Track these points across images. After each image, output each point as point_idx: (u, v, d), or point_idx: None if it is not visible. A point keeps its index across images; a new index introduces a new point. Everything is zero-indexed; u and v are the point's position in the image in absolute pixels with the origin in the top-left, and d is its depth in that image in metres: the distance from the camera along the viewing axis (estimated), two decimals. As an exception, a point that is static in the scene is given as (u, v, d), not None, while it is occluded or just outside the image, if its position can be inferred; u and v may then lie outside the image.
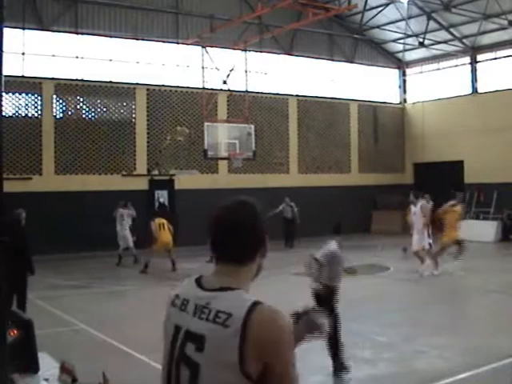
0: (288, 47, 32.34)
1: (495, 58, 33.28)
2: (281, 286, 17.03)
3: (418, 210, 19.22)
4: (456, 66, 35.19)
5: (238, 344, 2.37)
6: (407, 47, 35.04)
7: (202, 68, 27.30)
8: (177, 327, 2.58)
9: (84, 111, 27.82)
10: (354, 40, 34.75)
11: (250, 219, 2.68)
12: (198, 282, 2.64)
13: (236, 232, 2.63)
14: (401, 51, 36.17)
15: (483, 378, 9.05)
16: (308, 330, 2.83)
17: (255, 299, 2.47)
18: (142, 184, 28.41)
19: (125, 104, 28.68)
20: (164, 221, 22.18)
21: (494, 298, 15.44)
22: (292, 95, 33.10)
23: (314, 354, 10.28)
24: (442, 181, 33.34)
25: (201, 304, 2.53)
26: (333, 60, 34.71)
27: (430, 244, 19.32)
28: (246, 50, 28.33)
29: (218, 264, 2.65)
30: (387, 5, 30.68)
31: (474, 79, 34.47)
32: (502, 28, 30.06)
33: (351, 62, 35.41)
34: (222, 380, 2.40)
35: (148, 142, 28.87)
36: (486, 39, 32.59)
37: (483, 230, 29.05)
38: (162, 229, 21.88)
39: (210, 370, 2.42)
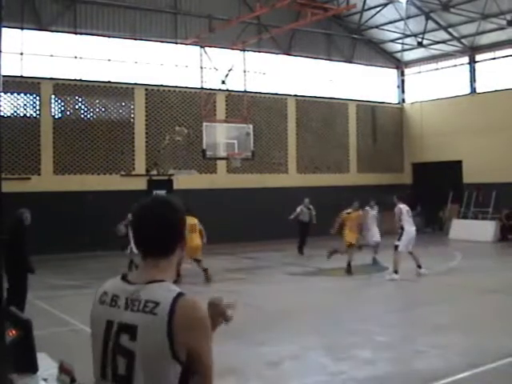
0: (286, 47, 32.33)
1: (494, 58, 33.27)
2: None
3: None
4: (455, 65, 35.20)
5: (166, 330, 2.56)
6: (406, 47, 35.03)
7: (201, 68, 27.28)
8: (108, 322, 2.72)
9: (82, 111, 27.80)
10: (352, 40, 34.74)
11: (171, 214, 2.84)
12: (124, 278, 2.85)
13: (159, 226, 2.79)
14: (399, 51, 36.16)
15: (483, 378, 9.03)
16: (214, 317, 2.92)
17: (180, 290, 2.68)
18: (140, 184, 28.39)
19: (123, 104, 28.67)
20: (196, 221, 18.67)
21: (493, 297, 15.43)
22: (290, 95, 33.10)
23: (313, 354, 10.29)
24: (440, 181, 33.43)
25: (131, 297, 2.70)
26: (331, 60, 34.71)
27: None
28: (244, 50, 28.34)
29: (143, 258, 2.87)
30: (386, 5, 30.68)
31: (473, 79, 34.48)
32: (501, 28, 30.06)
33: (350, 62, 35.41)
34: (157, 365, 2.57)
35: (146, 142, 28.87)
36: (485, 39, 32.59)
37: (482, 230, 29.07)
38: (194, 231, 18.16)
39: (144, 357, 2.59)
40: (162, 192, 29.06)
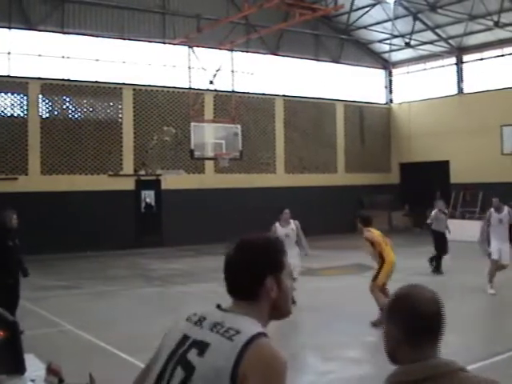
0: (274, 47, 32.35)
1: (481, 59, 33.40)
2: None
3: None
4: (442, 66, 35.33)
5: (235, 359, 2.40)
6: (393, 48, 35.13)
7: (189, 68, 27.34)
8: (185, 336, 2.62)
9: (70, 111, 27.72)
10: (340, 40, 34.80)
11: (248, 256, 2.66)
12: (219, 306, 2.70)
13: (232, 269, 2.67)
14: (387, 51, 36.27)
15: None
16: None
17: (265, 331, 2.52)
18: (128, 184, 28.35)
19: (111, 104, 28.61)
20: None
21: (481, 296, 15.50)
22: (278, 95, 33.13)
23: (301, 354, 10.30)
24: (428, 180, 33.53)
25: (216, 321, 2.59)
26: (319, 60, 34.77)
27: None
28: (232, 50, 28.39)
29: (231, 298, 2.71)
30: (374, 5, 30.75)
31: (460, 80, 34.62)
32: (488, 29, 30.17)
33: (338, 63, 35.47)
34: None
35: (134, 142, 28.81)
36: (472, 40, 32.73)
37: (469, 230, 29.13)
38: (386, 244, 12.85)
39: (203, 376, 2.45)
40: (151, 192, 29.08)
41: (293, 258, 12.83)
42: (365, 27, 33.46)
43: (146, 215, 28.90)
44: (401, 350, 2.55)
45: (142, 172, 28.91)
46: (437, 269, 19.11)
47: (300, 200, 31.19)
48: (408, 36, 32.54)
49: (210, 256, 24.94)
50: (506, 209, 16.07)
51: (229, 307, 2.66)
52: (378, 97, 38.11)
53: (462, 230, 29.00)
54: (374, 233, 12.60)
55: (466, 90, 34.37)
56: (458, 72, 34.80)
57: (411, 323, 2.51)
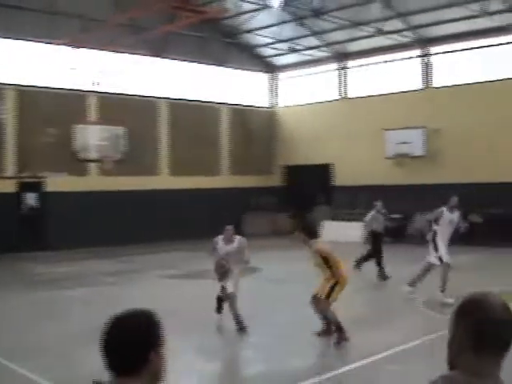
0: (160, 50, 32.12)
1: (363, 65, 34.30)
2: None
3: None
4: (327, 71, 36.03)
5: None
6: (278, 52, 35.59)
7: (73, 69, 26.80)
8: None
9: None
10: (226, 44, 34.92)
11: (130, 337, 2.66)
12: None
13: (113, 349, 2.64)
14: (272, 56, 36.73)
15: (359, 374, 9.33)
16: None
17: None
18: (9, 186, 27.54)
19: (-7, 105, 27.74)
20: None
21: (368, 294, 15.92)
22: (164, 98, 32.92)
23: (183, 355, 10.28)
24: (312, 183, 34.19)
25: None
26: (205, 63, 34.76)
27: None
28: (117, 52, 28.03)
29: None
30: (259, 10, 31.00)
31: (344, 84, 35.47)
32: (370, 36, 31.03)
33: (223, 66, 35.57)
34: None
35: (17, 144, 28.00)
36: (356, 46, 33.57)
37: (351, 231, 29.87)
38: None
39: None
40: (34, 195, 28.38)
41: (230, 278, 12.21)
42: (250, 31, 33.76)
43: (29, 218, 28.16)
44: (464, 356, 2.50)
45: (25, 174, 28.15)
46: (382, 274, 18.76)
47: (185, 202, 31.26)
48: (293, 41, 33.08)
49: (96, 259, 24.66)
50: (457, 210, 15.61)
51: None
52: (263, 100, 38.48)
53: (345, 232, 29.79)
54: (325, 245, 11.68)
55: (349, 95, 35.23)
56: (341, 77, 35.62)
57: (481, 327, 2.46)
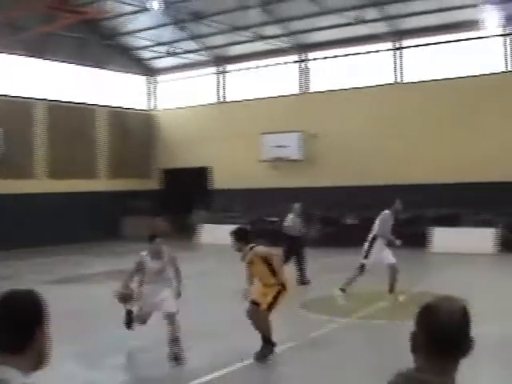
0: (38, 50, 31.34)
1: (242, 69, 34.65)
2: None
3: None
4: (206, 74, 36.19)
5: None
6: (158, 55, 35.50)
7: None
8: None
9: None
10: (105, 45, 34.45)
11: (14, 314, 2.72)
12: None
13: None
14: (151, 58, 36.60)
15: (227, 380, 9.48)
16: None
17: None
18: None
19: None
20: None
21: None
22: (41, 99, 32.14)
23: (64, 363, 10.16)
24: (190, 186, 34.23)
25: None
26: (84, 65, 34.13)
27: None
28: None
29: None
30: (139, 12, 30.77)
31: (223, 88, 35.78)
32: (249, 40, 31.42)
33: (102, 68, 35.10)
34: None
35: None
36: (234, 50, 33.94)
37: (227, 234, 30.09)
38: None
39: None
40: None
41: (163, 299, 10.24)
42: (130, 33, 33.53)
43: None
44: (418, 354, 2.72)
45: None
46: (302, 278, 18.32)
47: (64, 205, 30.69)
48: (172, 44, 33.11)
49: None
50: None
51: None
52: (142, 103, 38.28)
53: (223, 235, 29.95)
54: (265, 248, 10.47)
55: (228, 99, 35.56)
56: (219, 81, 35.91)
57: (434, 333, 2.66)
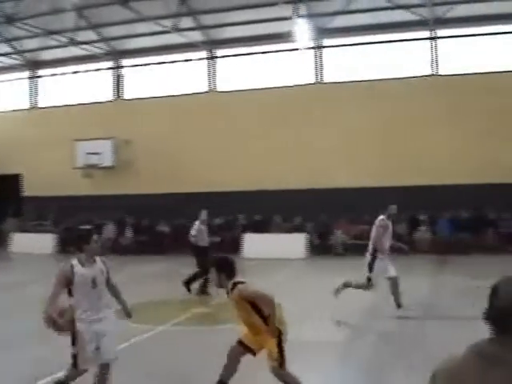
0: None
1: (57, 74, 33.90)
2: None
3: None
4: (19, 79, 35.02)
5: None
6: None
7: None
8: None
9: None
10: None
11: None
12: None
13: None
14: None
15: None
16: None
17: None
18: None
19: None
20: None
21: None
22: None
23: None
24: (0, 194, 33.02)
25: None
26: None
27: None
28: None
29: None
30: None
31: (34, 93, 34.87)
32: (64, 45, 30.81)
33: None
34: None
35: None
36: (48, 55, 33.22)
37: (42, 243, 29.44)
38: None
39: None
40: None
41: (105, 323, 7.75)
42: None
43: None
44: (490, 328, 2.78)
45: None
46: (204, 288, 17.25)
47: None
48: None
49: None
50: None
51: None
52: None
53: (35, 243, 29.31)
54: (252, 286, 7.79)
55: (40, 105, 34.71)
56: (32, 86, 35.00)
57: (495, 309, 2.76)
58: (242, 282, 7.71)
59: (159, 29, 28.72)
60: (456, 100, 27.20)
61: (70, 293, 7.63)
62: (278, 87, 29.75)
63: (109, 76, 33.24)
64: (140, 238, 29.42)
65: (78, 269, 7.66)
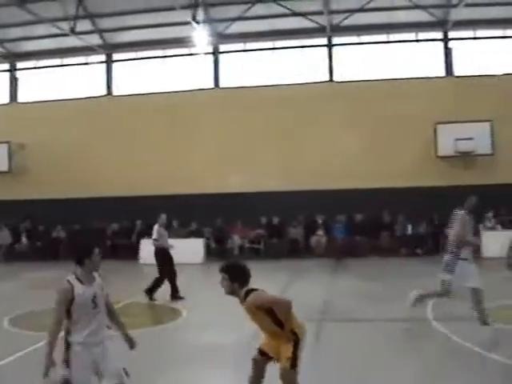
0: None
1: None
2: None
3: None
4: None
5: None
6: None
7: None
8: None
9: None
10: None
11: None
12: None
13: None
14: None
15: None
16: None
17: None
18: None
19: None
20: None
21: None
22: None
23: None
24: None
25: None
26: None
27: None
28: None
29: None
30: None
31: None
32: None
33: None
34: None
35: None
36: None
37: None
38: None
39: None
40: None
41: (106, 346, 6.92)
42: None
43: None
44: None
45: None
46: (175, 293, 16.88)
47: None
48: None
49: None
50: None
51: None
52: None
53: None
54: (265, 293, 7.32)
55: None
56: None
57: None
58: (256, 290, 7.26)
59: (57, 31, 28.19)
60: (351, 106, 27.84)
61: (67, 314, 6.68)
62: (177, 91, 29.75)
63: (5, 79, 32.41)
64: (36, 244, 28.90)
65: (78, 287, 6.75)
